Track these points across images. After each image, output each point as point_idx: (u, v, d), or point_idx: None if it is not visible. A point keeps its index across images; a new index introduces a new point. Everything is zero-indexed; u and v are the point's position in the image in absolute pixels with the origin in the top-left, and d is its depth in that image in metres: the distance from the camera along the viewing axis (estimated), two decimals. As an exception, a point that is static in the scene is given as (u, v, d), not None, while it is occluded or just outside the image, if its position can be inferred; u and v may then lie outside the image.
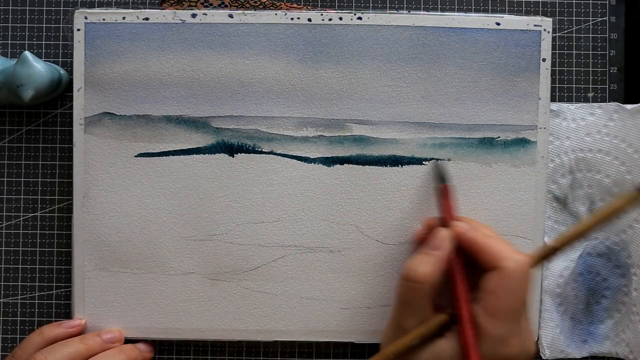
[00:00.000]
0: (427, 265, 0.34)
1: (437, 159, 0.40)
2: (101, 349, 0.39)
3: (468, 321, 0.33)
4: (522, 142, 0.41)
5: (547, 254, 0.34)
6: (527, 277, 0.33)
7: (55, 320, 0.42)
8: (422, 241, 0.39)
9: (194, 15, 0.40)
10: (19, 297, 0.43)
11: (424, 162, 0.41)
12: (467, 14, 0.40)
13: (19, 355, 0.38)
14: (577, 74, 0.43)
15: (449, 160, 0.41)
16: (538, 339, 0.42)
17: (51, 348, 0.38)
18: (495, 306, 0.33)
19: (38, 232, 0.43)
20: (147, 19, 0.40)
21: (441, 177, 0.39)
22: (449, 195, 0.38)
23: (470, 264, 0.35)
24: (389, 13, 0.40)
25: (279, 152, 0.40)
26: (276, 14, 0.40)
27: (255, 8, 0.42)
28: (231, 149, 0.40)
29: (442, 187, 0.39)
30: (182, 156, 0.40)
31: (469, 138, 0.41)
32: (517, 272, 0.33)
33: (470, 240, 0.35)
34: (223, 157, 0.40)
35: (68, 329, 0.40)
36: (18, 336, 0.42)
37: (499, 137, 0.41)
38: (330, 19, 0.40)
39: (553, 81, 0.43)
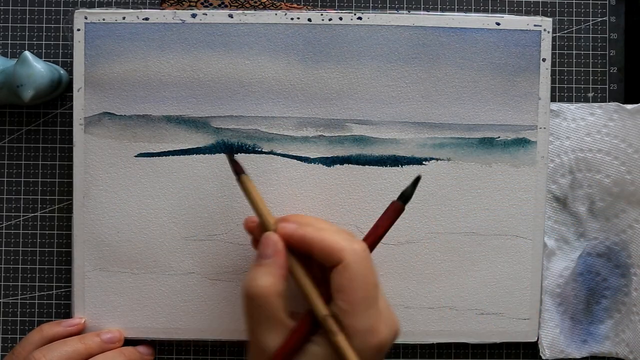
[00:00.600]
0: (265, 276, 0.32)
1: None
2: (100, 349, 0.39)
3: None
4: (522, 142, 0.41)
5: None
6: (368, 263, 0.32)
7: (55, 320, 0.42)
8: (255, 243, 0.37)
9: (194, 15, 0.40)
10: (19, 297, 0.43)
11: (424, 162, 0.41)
12: (467, 14, 0.40)
13: (19, 353, 0.38)
14: (577, 74, 0.43)
15: (448, 159, 0.41)
16: (538, 339, 0.42)
17: (49, 346, 0.38)
18: (351, 301, 0.31)
19: (38, 232, 0.43)
20: (147, 19, 0.40)
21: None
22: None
23: (310, 259, 0.33)
24: (389, 13, 0.40)
25: (279, 152, 0.40)
26: (276, 14, 0.40)
27: (255, 8, 0.42)
28: (231, 149, 0.40)
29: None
30: (182, 156, 0.40)
31: (469, 138, 0.41)
32: (360, 261, 0.32)
33: (302, 240, 0.33)
34: (223, 157, 0.40)
35: (67, 328, 0.40)
36: (18, 336, 0.42)
37: (499, 137, 0.41)
38: (330, 19, 0.40)
39: (553, 81, 0.43)
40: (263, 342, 0.32)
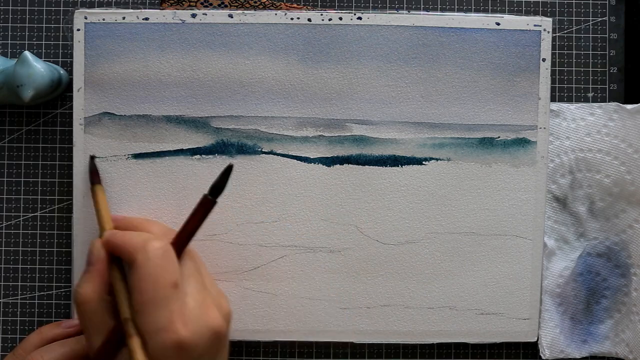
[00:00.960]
0: (87, 283, 0.34)
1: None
2: None
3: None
4: (522, 142, 0.41)
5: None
6: (163, 262, 0.33)
7: (55, 320, 0.42)
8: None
9: (194, 15, 0.40)
10: (19, 297, 0.43)
11: (424, 162, 0.41)
12: (467, 14, 0.40)
13: (19, 354, 0.38)
14: (577, 74, 0.43)
15: (448, 159, 0.41)
16: (538, 339, 0.42)
17: (48, 347, 0.38)
18: (139, 301, 0.32)
19: (38, 232, 0.43)
20: (147, 19, 0.40)
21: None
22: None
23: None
24: (389, 13, 0.40)
25: (279, 152, 0.40)
26: (276, 14, 0.40)
27: (255, 8, 0.42)
28: (231, 149, 0.40)
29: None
30: (182, 156, 0.40)
31: (469, 138, 0.41)
32: (149, 261, 0.32)
33: (112, 245, 0.35)
34: (223, 157, 0.40)
35: (67, 329, 0.40)
36: (18, 336, 0.42)
37: (499, 137, 0.41)
38: (330, 19, 0.40)
39: (553, 81, 0.43)
40: (90, 343, 0.34)
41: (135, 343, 0.32)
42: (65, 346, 0.38)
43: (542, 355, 0.42)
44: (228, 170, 0.35)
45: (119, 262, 0.35)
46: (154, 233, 0.36)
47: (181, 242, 0.35)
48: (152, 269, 0.32)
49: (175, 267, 0.33)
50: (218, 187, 0.35)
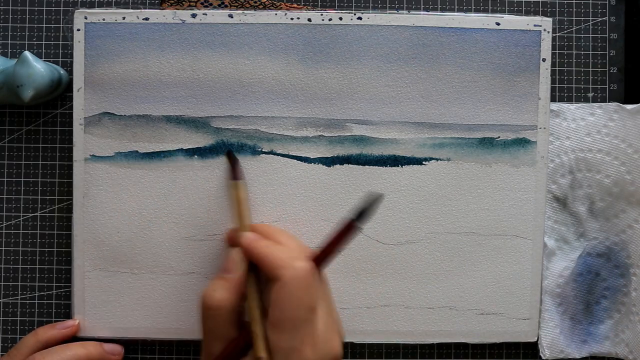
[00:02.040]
0: (222, 290, 0.34)
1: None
2: (100, 357, 0.40)
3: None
4: (522, 142, 0.41)
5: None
6: (308, 284, 0.33)
7: (55, 321, 0.42)
8: (231, 244, 0.38)
9: (194, 15, 0.40)
10: (19, 297, 0.43)
11: (424, 162, 0.41)
12: (467, 14, 0.40)
13: (14, 355, 0.39)
14: (577, 74, 0.43)
15: (448, 159, 0.41)
16: (538, 339, 0.42)
17: (50, 350, 0.38)
18: (278, 318, 0.32)
19: (38, 232, 0.43)
20: (147, 19, 0.40)
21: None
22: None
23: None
24: (389, 13, 0.40)
25: (279, 152, 0.40)
26: (276, 14, 0.40)
27: (255, 8, 0.42)
28: (231, 149, 0.40)
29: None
30: (182, 156, 0.40)
31: (469, 138, 0.41)
32: (295, 281, 0.32)
33: (253, 252, 0.34)
34: (223, 157, 0.40)
35: (62, 330, 0.40)
36: (18, 336, 0.42)
37: (499, 137, 0.41)
38: (330, 19, 0.40)
39: (553, 81, 0.43)
40: (210, 350, 0.34)
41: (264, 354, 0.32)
42: (69, 350, 0.39)
43: (542, 355, 0.42)
44: (377, 199, 0.35)
45: (256, 272, 0.35)
46: (291, 248, 0.35)
47: (320, 262, 0.34)
48: (298, 290, 0.32)
49: (317, 290, 0.33)
50: (365, 214, 0.35)
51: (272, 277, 0.33)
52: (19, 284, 0.43)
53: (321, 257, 0.34)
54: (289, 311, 0.32)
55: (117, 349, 0.41)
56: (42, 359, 0.37)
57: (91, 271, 0.40)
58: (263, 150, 0.40)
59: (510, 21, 0.40)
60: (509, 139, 0.41)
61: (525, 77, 0.40)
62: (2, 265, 0.43)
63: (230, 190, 0.37)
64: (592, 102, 0.43)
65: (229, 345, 0.34)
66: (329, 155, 0.41)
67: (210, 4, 0.42)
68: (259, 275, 0.35)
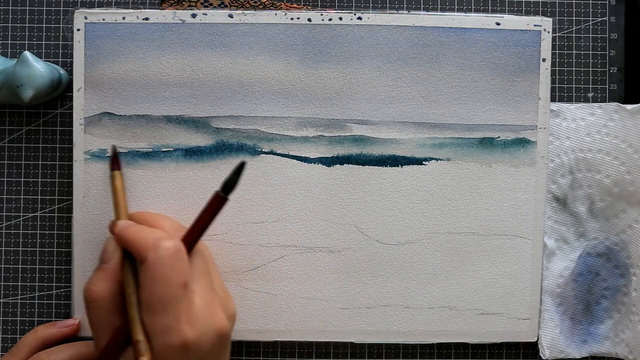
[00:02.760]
0: (99, 281, 0.34)
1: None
2: None
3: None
4: (522, 142, 0.41)
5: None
6: (174, 262, 0.32)
7: (55, 320, 0.42)
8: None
9: (194, 15, 0.40)
10: (19, 297, 0.43)
11: (424, 162, 0.41)
12: (467, 14, 0.40)
13: (15, 354, 0.39)
14: (577, 74, 0.43)
15: (448, 159, 0.41)
16: (538, 339, 0.42)
17: (55, 349, 0.39)
18: (148, 300, 0.32)
19: (38, 232, 0.43)
20: (147, 19, 0.40)
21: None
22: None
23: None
24: (389, 13, 0.40)
25: (279, 152, 0.40)
26: (276, 14, 0.40)
27: (255, 8, 0.42)
28: (231, 149, 0.40)
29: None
30: (182, 156, 0.40)
31: (469, 138, 0.41)
32: (160, 260, 0.32)
33: (124, 239, 0.34)
34: (223, 157, 0.40)
35: (62, 329, 0.40)
36: (18, 336, 0.42)
37: (499, 137, 0.41)
38: (330, 19, 0.40)
39: (553, 81, 0.43)
40: (98, 341, 0.34)
41: (141, 348, 0.32)
42: (72, 348, 0.39)
43: (542, 355, 0.42)
44: (240, 167, 0.35)
45: (132, 260, 0.35)
46: (165, 229, 0.35)
47: (191, 239, 0.35)
48: (163, 269, 0.32)
49: (186, 267, 0.33)
50: (230, 184, 0.35)
51: (140, 260, 0.33)
52: (19, 284, 0.43)
53: (191, 234, 0.35)
54: (158, 291, 0.32)
55: None
56: (47, 358, 0.37)
57: (91, 271, 0.40)
58: (263, 150, 0.40)
59: (510, 21, 0.40)
60: (509, 139, 0.41)
61: (525, 77, 0.40)
62: (2, 265, 0.43)
63: (110, 181, 0.38)
64: (592, 102, 0.43)
65: (113, 334, 0.34)
66: (329, 155, 0.41)
67: (210, 4, 0.42)
68: (134, 261, 0.35)
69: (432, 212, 0.41)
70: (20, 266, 0.43)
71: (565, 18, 0.43)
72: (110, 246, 0.35)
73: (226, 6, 0.42)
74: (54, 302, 0.43)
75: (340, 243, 0.41)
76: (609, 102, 0.43)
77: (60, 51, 0.43)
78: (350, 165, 0.41)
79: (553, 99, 0.43)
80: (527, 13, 0.43)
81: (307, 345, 0.43)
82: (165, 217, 0.38)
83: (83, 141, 0.40)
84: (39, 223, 0.43)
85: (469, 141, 0.41)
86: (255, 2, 0.42)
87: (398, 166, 0.41)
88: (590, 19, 0.43)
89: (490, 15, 0.41)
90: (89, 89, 0.40)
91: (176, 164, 0.40)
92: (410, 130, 0.41)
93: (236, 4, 0.42)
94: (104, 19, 0.40)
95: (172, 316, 0.32)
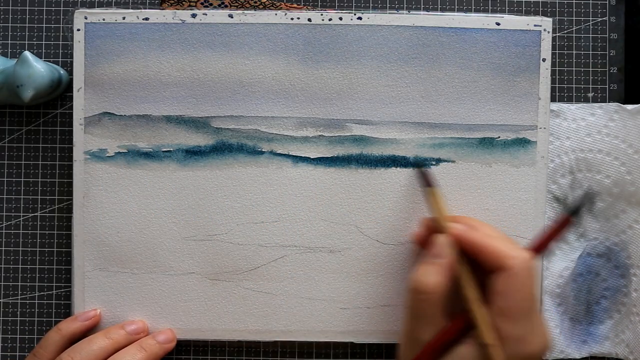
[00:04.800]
0: (433, 274, 0.34)
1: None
2: (127, 342, 0.39)
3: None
4: (522, 142, 0.41)
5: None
6: (533, 273, 0.33)
7: (55, 320, 0.42)
8: (421, 242, 0.38)
9: (194, 15, 0.40)
10: (19, 297, 0.43)
11: (424, 162, 0.41)
12: (467, 14, 0.40)
13: (40, 354, 0.38)
14: (577, 74, 0.43)
15: (453, 161, 0.41)
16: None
17: (76, 347, 0.38)
18: (509, 307, 0.33)
19: (38, 232, 0.43)
20: (147, 19, 0.40)
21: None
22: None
23: (474, 265, 0.35)
24: (389, 13, 0.40)
25: (279, 152, 0.40)
26: (276, 14, 0.40)
27: (255, 8, 0.42)
28: (231, 149, 0.40)
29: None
30: (182, 156, 0.40)
31: (469, 138, 0.41)
32: (523, 271, 0.33)
33: (470, 242, 0.35)
34: (223, 157, 0.40)
35: (84, 322, 0.39)
36: (18, 336, 0.42)
37: (499, 137, 0.41)
38: (330, 19, 0.40)
39: (553, 81, 0.43)
40: (417, 335, 0.34)
41: (497, 342, 0.32)
42: (93, 343, 0.38)
43: (542, 355, 0.42)
44: (592, 195, 0.36)
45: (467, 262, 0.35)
46: (504, 238, 0.36)
47: (537, 255, 0.35)
48: (526, 279, 0.33)
49: (538, 280, 0.34)
50: (581, 209, 0.36)
51: (498, 267, 0.33)
52: (19, 284, 0.43)
53: (539, 249, 0.35)
54: (521, 300, 0.33)
55: (140, 326, 0.40)
56: (70, 358, 0.37)
57: (91, 271, 0.41)
58: (263, 150, 0.40)
59: (510, 21, 0.40)
60: (509, 139, 0.41)
61: (525, 77, 0.40)
62: (2, 265, 0.43)
63: (428, 197, 0.39)
64: (592, 102, 0.43)
65: (444, 331, 0.34)
66: (329, 155, 0.41)
67: (210, 4, 0.42)
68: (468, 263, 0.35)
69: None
70: (20, 266, 0.43)
71: (565, 18, 0.43)
72: (442, 241, 0.35)
73: (226, 6, 0.42)
74: (54, 302, 0.43)
75: (340, 243, 0.41)
76: (609, 102, 0.43)
77: (60, 51, 0.43)
78: (350, 165, 0.41)
79: (553, 99, 0.43)
80: (527, 13, 0.43)
81: (307, 345, 0.43)
82: (492, 226, 0.37)
83: (83, 141, 0.40)
84: (39, 223, 0.43)
85: (469, 141, 0.41)
86: (255, 2, 0.42)
87: (398, 166, 0.41)
88: (590, 19, 0.43)
89: (490, 15, 0.41)
90: (89, 89, 0.40)
91: (176, 164, 0.40)
92: (410, 130, 0.41)
93: (236, 4, 0.42)
94: (104, 19, 0.40)
95: (529, 327, 0.33)
